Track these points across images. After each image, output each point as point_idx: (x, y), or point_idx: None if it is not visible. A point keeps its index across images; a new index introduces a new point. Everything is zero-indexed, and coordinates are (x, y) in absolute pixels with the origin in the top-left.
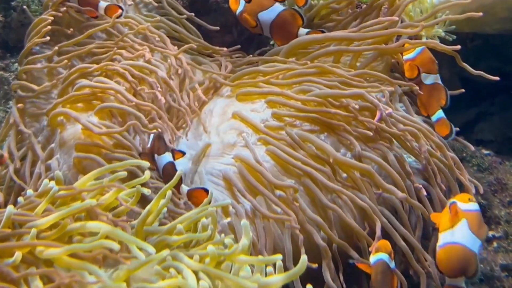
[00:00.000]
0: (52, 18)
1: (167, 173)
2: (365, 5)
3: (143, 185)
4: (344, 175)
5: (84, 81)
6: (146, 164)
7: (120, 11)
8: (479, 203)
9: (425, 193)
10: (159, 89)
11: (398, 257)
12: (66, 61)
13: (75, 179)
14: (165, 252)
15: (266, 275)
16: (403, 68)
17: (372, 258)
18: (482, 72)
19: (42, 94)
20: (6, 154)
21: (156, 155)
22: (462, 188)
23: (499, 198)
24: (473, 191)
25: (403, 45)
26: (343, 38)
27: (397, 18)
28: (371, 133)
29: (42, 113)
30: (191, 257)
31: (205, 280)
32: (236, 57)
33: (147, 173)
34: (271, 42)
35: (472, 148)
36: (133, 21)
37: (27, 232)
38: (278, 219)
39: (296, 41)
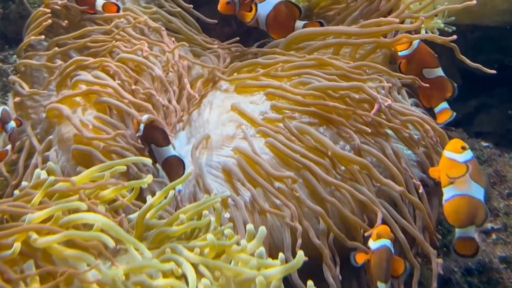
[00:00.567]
0: (49, 11)
1: (170, 167)
2: None
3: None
4: (343, 167)
5: (81, 76)
6: (149, 161)
7: (116, 8)
8: None
9: (421, 191)
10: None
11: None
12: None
13: (73, 171)
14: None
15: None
16: (400, 64)
17: (374, 244)
18: (479, 65)
19: (40, 86)
20: (8, 151)
21: (154, 146)
22: None
23: (498, 190)
24: None
25: (402, 39)
26: (342, 32)
27: (397, 20)
28: (369, 130)
29: (41, 105)
30: (191, 249)
31: (205, 273)
32: (235, 49)
33: (150, 177)
34: None
35: None
36: (131, 14)
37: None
38: (275, 214)
39: (296, 33)
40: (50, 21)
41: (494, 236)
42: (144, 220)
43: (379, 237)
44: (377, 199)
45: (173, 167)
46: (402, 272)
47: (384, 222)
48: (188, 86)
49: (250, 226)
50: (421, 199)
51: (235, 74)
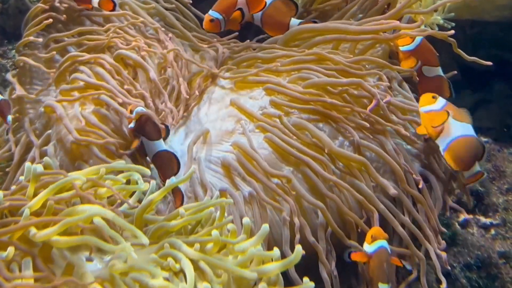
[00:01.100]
0: (48, 7)
1: (161, 161)
2: None
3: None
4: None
5: (78, 74)
6: (147, 172)
7: (112, 5)
8: (477, 191)
9: (421, 185)
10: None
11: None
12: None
13: (72, 165)
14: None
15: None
16: (400, 57)
17: (371, 247)
18: (476, 58)
19: (39, 81)
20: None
21: (145, 139)
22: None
23: (497, 185)
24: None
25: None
26: (341, 30)
27: (397, 22)
28: (367, 124)
29: (40, 100)
30: (191, 244)
31: (206, 269)
32: (234, 44)
33: (147, 185)
34: None
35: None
36: (129, 13)
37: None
38: (276, 206)
39: (294, 30)
40: (51, 20)
41: (493, 231)
42: (144, 216)
43: (374, 239)
44: (378, 193)
45: (165, 162)
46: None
47: (382, 220)
48: (182, 87)
49: (246, 220)
50: (422, 193)
51: (235, 68)
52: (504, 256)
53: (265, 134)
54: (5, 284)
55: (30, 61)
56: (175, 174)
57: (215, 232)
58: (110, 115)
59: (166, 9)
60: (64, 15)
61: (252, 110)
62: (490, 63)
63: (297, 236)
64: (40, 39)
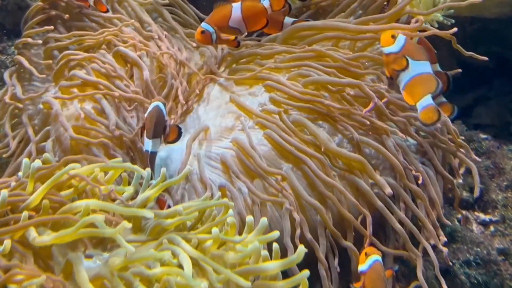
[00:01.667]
0: (48, 6)
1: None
2: None
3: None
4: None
5: (77, 71)
6: (143, 172)
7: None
8: None
9: (420, 181)
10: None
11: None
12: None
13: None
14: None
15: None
16: (384, 60)
17: (365, 265)
18: (472, 53)
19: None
20: None
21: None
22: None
23: (496, 182)
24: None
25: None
26: (341, 28)
27: (396, 24)
28: (368, 122)
29: (39, 96)
30: (189, 240)
31: (205, 266)
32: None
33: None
34: None
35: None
36: (124, 17)
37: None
38: (273, 201)
39: (294, 27)
40: (52, 27)
41: (492, 228)
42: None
43: (368, 255)
44: (377, 190)
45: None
46: None
47: (380, 217)
48: (180, 90)
49: (250, 218)
50: (422, 189)
51: (234, 65)
52: (503, 252)
53: (264, 130)
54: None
55: (26, 63)
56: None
57: (215, 230)
58: (108, 109)
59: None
60: (67, 15)
61: (252, 106)
62: (486, 58)
63: (298, 231)
64: (39, 41)
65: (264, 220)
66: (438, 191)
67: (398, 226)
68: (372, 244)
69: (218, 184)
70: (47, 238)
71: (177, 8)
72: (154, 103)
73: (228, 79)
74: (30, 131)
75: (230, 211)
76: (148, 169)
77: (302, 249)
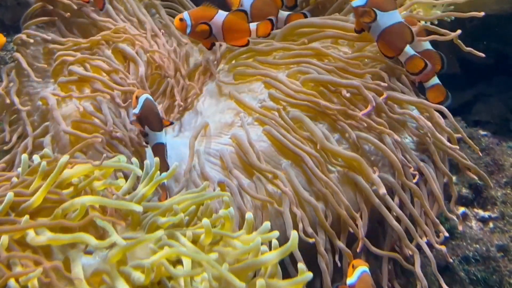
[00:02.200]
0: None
1: (157, 153)
2: None
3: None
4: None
5: (75, 67)
6: (139, 172)
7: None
8: (476, 184)
9: (416, 180)
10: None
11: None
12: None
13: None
14: (160, 233)
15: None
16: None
17: (354, 276)
18: (471, 49)
19: (38, 73)
20: None
21: (147, 128)
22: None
23: (496, 179)
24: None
25: None
26: (340, 27)
27: None
28: (364, 124)
29: (38, 92)
30: (185, 234)
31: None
32: None
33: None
34: None
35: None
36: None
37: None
38: (264, 200)
39: (294, 24)
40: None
41: (491, 224)
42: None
43: (355, 267)
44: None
45: (156, 155)
46: None
47: (378, 213)
48: (175, 90)
49: (249, 215)
50: (420, 187)
51: (233, 61)
52: (502, 249)
53: (263, 127)
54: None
55: (23, 63)
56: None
57: (205, 221)
58: (105, 105)
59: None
60: (68, 13)
61: (251, 103)
62: (483, 55)
63: (300, 225)
64: (39, 38)
65: (267, 224)
66: (439, 186)
67: (395, 223)
68: (360, 254)
69: (217, 180)
70: (43, 238)
71: (177, 4)
72: (143, 97)
73: (227, 76)
74: (28, 126)
75: (230, 208)
76: (147, 162)
77: (295, 235)
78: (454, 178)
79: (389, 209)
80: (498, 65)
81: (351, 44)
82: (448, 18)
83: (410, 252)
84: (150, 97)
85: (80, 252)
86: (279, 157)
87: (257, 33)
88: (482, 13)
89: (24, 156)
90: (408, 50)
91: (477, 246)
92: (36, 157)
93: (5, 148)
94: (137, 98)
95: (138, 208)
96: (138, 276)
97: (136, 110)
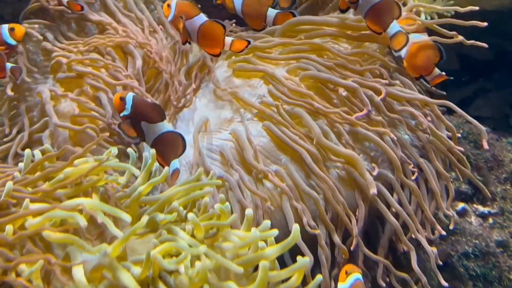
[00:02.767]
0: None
1: (166, 144)
2: None
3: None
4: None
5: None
6: (137, 172)
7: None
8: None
9: (414, 177)
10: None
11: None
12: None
13: (70, 152)
14: (145, 218)
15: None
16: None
17: (347, 283)
18: (474, 41)
19: (37, 68)
20: None
21: (145, 123)
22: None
23: (495, 174)
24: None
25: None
26: (340, 25)
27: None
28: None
29: (37, 88)
30: (184, 229)
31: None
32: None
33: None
34: None
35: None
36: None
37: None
38: (261, 197)
39: (294, 20)
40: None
41: (491, 220)
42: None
43: (348, 274)
44: (377, 181)
45: (169, 144)
46: None
47: (376, 210)
48: (170, 89)
49: (249, 211)
50: (419, 183)
51: (233, 57)
52: (502, 245)
53: (263, 122)
54: None
55: (20, 61)
56: (179, 155)
57: (191, 215)
58: (104, 97)
59: None
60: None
61: (251, 99)
62: (485, 45)
63: (304, 220)
64: (39, 35)
65: (267, 222)
66: (438, 183)
67: (392, 219)
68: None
69: (217, 175)
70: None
71: None
72: (129, 95)
73: (227, 71)
74: (25, 120)
75: (227, 203)
76: (146, 154)
77: (296, 228)
78: (453, 173)
79: (388, 205)
80: (498, 60)
81: (350, 42)
82: (448, 13)
83: (406, 248)
84: (134, 95)
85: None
86: (278, 152)
87: (230, 47)
88: (477, 8)
89: (28, 151)
90: (394, 26)
91: (477, 241)
92: (37, 152)
93: (5, 139)
94: (122, 99)
95: (127, 218)
96: (138, 270)
97: (126, 112)
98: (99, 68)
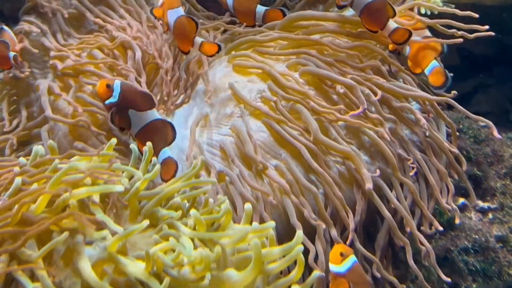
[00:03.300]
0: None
1: (154, 132)
2: None
3: None
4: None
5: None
6: (140, 174)
7: None
8: (475, 175)
9: (412, 173)
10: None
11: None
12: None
13: (70, 146)
14: (146, 222)
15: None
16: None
17: (343, 266)
18: (478, 33)
19: (37, 64)
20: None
21: (133, 111)
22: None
23: (495, 169)
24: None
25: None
26: (340, 20)
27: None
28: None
29: (37, 83)
30: (186, 224)
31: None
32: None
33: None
34: None
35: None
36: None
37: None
38: (261, 191)
39: (293, 16)
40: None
41: (490, 215)
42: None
43: (344, 257)
44: (376, 178)
45: (158, 133)
46: None
47: (374, 207)
48: (164, 87)
49: (248, 206)
50: (418, 179)
51: (233, 52)
52: (502, 240)
53: (263, 118)
54: None
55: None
56: (169, 144)
57: (193, 212)
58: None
59: None
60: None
61: (250, 95)
62: (493, 33)
63: (305, 212)
64: (38, 30)
65: (272, 223)
66: (437, 178)
67: (387, 214)
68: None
69: (217, 170)
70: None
71: None
72: (117, 81)
73: (227, 66)
74: (23, 113)
75: (226, 201)
76: (145, 148)
77: (300, 234)
78: (453, 171)
79: (387, 200)
80: (498, 56)
81: (350, 38)
82: (448, 7)
83: (401, 243)
84: (123, 81)
85: (81, 242)
86: (278, 147)
87: (200, 48)
88: (477, 15)
89: (36, 147)
90: (391, 24)
91: (476, 236)
92: (40, 148)
93: (5, 130)
94: (108, 86)
95: (119, 188)
96: (141, 265)
97: (113, 99)
98: (98, 64)
